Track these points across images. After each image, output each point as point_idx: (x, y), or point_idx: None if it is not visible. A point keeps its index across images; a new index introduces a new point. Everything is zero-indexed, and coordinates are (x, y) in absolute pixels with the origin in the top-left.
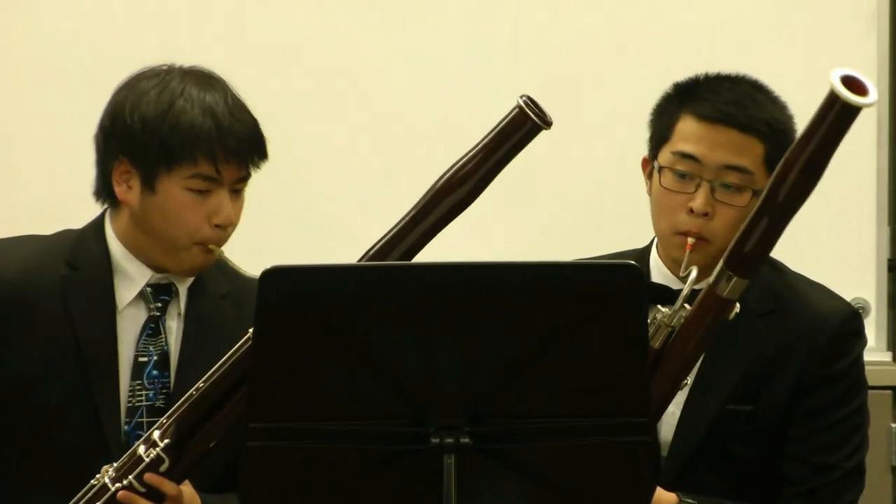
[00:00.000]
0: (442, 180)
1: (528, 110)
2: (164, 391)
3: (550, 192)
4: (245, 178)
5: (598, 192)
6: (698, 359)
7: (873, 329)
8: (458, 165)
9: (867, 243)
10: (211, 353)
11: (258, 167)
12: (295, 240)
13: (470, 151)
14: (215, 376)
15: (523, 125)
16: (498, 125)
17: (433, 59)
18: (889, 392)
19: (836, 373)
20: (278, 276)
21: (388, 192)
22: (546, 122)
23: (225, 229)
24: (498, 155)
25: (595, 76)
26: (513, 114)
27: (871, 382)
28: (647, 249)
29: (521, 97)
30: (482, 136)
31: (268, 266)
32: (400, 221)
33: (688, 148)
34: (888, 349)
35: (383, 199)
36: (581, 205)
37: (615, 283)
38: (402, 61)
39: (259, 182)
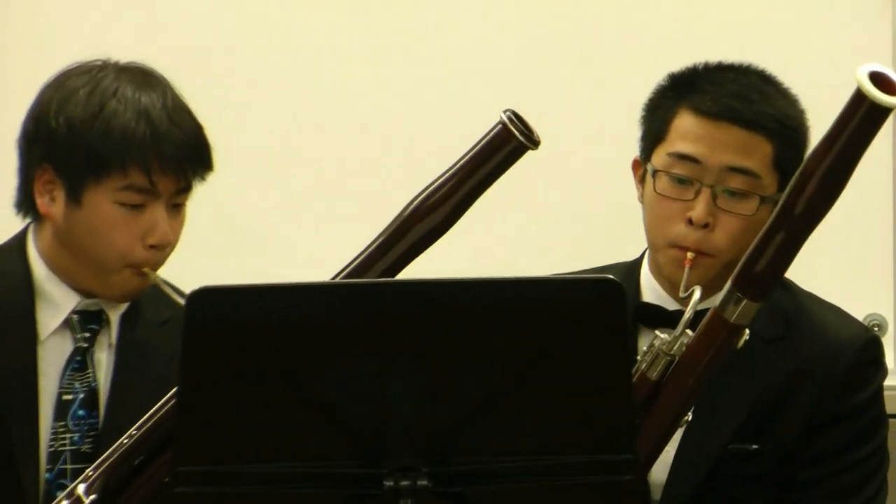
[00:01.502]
0: (412, 206)
1: (511, 127)
2: (91, 434)
3: (525, 197)
4: (185, 191)
5: (581, 198)
6: (701, 392)
7: (892, 349)
8: (430, 189)
9: (883, 252)
10: (147, 390)
11: (202, 178)
12: (237, 261)
13: (445, 173)
14: (152, 420)
15: (506, 144)
16: (478, 144)
17: (402, 62)
18: None
19: (854, 408)
20: (208, 298)
21: (350, 211)
22: (533, 142)
23: (161, 250)
24: (477, 178)
25: (582, 67)
26: (495, 131)
27: (890, 410)
28: (636, 263)
29: (505, 112)
30: (460, 156)
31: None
32: (364, 251)
33: (685, 148)
34: None
35: (343, 219)
36: (561, 212)
37: (592, 301)
38: (366, 63)
39: (198, 196)
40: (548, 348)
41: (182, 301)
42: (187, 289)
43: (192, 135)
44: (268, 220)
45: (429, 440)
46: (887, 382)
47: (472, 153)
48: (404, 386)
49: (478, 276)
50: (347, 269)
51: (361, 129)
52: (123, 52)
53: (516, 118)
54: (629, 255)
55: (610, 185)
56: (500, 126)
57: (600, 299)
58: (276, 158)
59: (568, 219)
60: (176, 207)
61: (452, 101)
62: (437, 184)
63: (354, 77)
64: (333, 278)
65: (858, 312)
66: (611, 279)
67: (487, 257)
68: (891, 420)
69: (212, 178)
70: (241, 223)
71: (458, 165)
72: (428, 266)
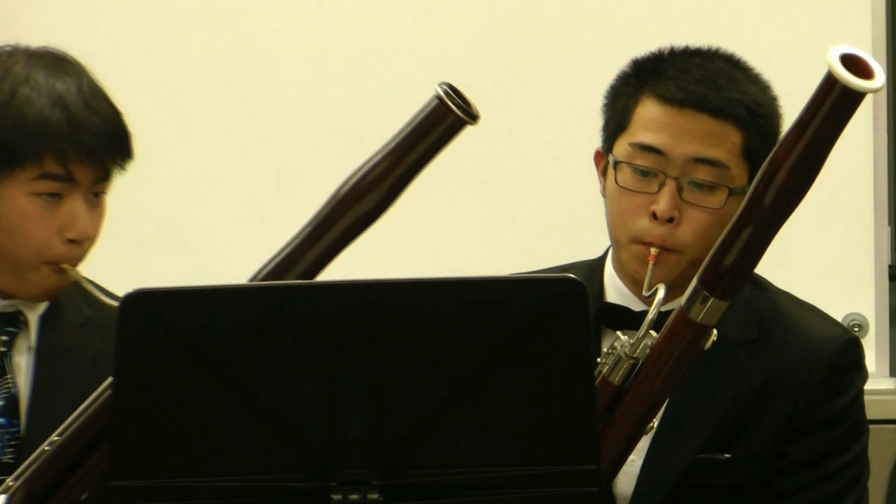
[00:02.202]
0: (347, 187)
1: (448, 101)
2: (13, 443)
3: (480, 192)
4: (103, 180)
5: (540, 192)
6: (667, 397)
7: (872, 351)
8: (366, 169)
9: (863, 248)
10: (71, 394)
11: (122, 167)
12: (172, 259)
13: (380, 151)
14: (76, 424)
15: (443, 120)
16: (413, 120)
17: (341, 38)
18: (894, 427)
19: (832, 414)
20: (143, 301)
21: (288, 200)
22: (471, 116)
23: (81, 244)
24: (414, 155)
25: (540, 53)
26: (431, 106)
27: (871, 415)
28: (600, 261)
29: (440, 85)
30: (395, 132)
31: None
32: (296, 237)
33: (649, 138)
34: (891, 375)
35: (281, 210)
36: (518, 208)
37: (552, 301)
38: (302, 40)
39: (128, 190)
40: (505, 352)
41: (106, 299)
42: (123, 291)
43: (111, 122)
44: (210, 218)
45: (379, 451)
46: (868, 386)
47: (408, 130)
48: (353, 393)
49: (429, 275)
50: (279, 257)
51: (306, 121)
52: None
53: (453, 91)
54: (592, 253)
55: (571, 178)
56: (435, 100)
57: (560, 300)
58: (216, 156)
59: (526, 214)
60: (95, 198)
61: (405, 92)
62: (373, 162)
63: (299, 68)
64: (263, 267)
65: (837, 312)
66: (571, 278)
67: (441, 256)
68: (872, 426)
69: (150, 177)
70: (182, 222)
71: (394, 143)
72: (380, 266)
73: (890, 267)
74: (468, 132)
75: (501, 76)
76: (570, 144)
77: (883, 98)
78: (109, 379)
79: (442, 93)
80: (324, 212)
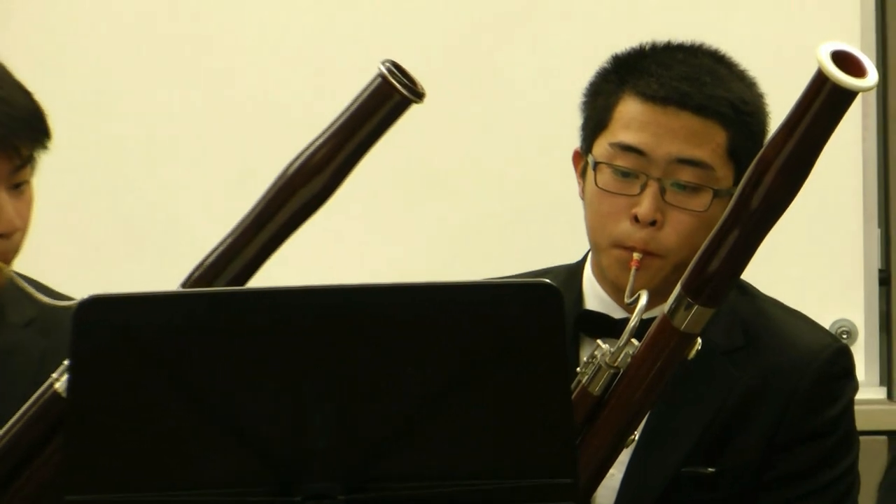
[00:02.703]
0: (292, 169)
1: (392, 80)
2: None
3: (452, 193)
4: (22, 168)
5: (516, 193)
6: (649, 408)
7: (862, 359)
8: (310, 151)
9: (852, 251)
10: (13, 397)
11: (43, 147)
12: (123, 258)
13: (324, 133)
14: (16, 427)
15: (388, 99)
16: (357, 99)
17: (285, 16)
18: (884, 438)
19: (822, 426)
20: (99, 309)
21: (241, 192)
22: (417, 94)
23: (9, 237)
24: (360, 136)
25: (517, 48)
26: (375, 85)
27: (861, 426)
28: (579, 266)
29: (384, 63)
30: (338, 113)
31: (87, 294)
32: (240, 224)
33: (630, 137)
34: (882, 384)
35: (234, 202)
36: (493, 210)
37: (526, 308)
38: (243, 19)
39: (73, 185)
40: (477, 361)
41: (42, 297)
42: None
43: (21, 106)
44: (170, 220)
45: (346, 464)
46: (858, 396)
47: (351, 109)
48: (319, 403)
49: (398, 280)
50: (220, 248)
51: (254, 107)
52: None
53: (397, 69)
54: (570, 258)
55: (548, 180)
56: (379, 79)
57: (535, 306)
58: (174, 155)
59: (500, 217)
60: (18, 188)
61: (346, 66)
62: (317, 144)
63: (235, 43)
64: (207, 256)
65: (824, 319)
66: (546, 283)
67: (409, 260)
68: (862, 438)
69: (101, 179)
70: (141, 224)
71: (337, 124)
72: (347, 271)
73: (880, 271)
74: (441, 131)
75: (477, 72)
76: (548, 144)
77: (872, 95)
78: (50, 378)
79: (385, 71)
80: (268, 196)
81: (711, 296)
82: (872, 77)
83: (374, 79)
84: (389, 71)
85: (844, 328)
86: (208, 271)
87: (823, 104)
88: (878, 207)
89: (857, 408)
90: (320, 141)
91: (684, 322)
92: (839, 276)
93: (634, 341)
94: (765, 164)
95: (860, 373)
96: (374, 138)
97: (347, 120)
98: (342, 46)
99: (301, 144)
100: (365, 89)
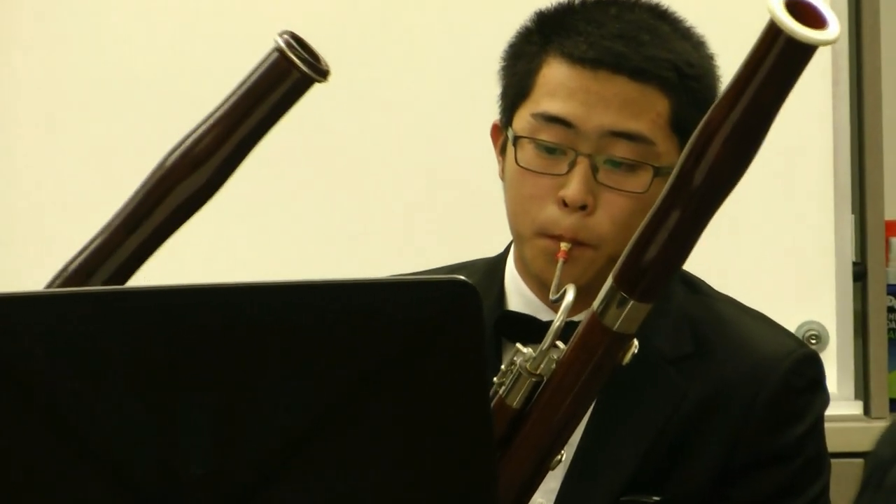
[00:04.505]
0: (169, 162)
1: (290, 54)
2: None
3: (353, 178)
4: None
5: (428, 177)
6: (577, 423)
7: (834, 368)
8: (193, 139)
9: (821, 242)
10: None
11: None
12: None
13: (208, 118)
14: None
15: (286, 77)
16: (249, 77)
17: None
18: (860, 461)
19: (785, 447)
20: None
21: (109, 185)
22: (320, 72)
23: None
24: (252, 121)
25: (422, 8)
26: (270, 60)
27: (832, 447)
28: (499, 260)
29: (282, 35)
30: (227, 94)
31: None
32: (110, 223)
33: (555, 107)
34: (857, 397)
35: (100, 196)
36: (399, 196)
37: (438, 308)
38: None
39: None
40: (381, 370)
41: None
42: None
43: None
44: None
45: (228, 493)
46: (829, 412)
47: (243, 88)
48: (195, 424)
49: (291, 278)
50: (90, 248)
51: (127, 84)
52: None
53: (296, 42)
54: (490, 251)
55: (463, 159)
56: (276, 53)
57: (448, 306)
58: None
59: (408, 204)
60: None
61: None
62: (201, 130)
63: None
64: (71, 261)
65: (790, 321)
66: (461, 280)
67: (305, 254)
68: (833, 461)
69: None
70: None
71: (227, 106)
72: (233, 269)
73: (854, 264)
74: (336, 101)
75: (377, 34)
76: (462, 116)
77: (844, 57)
78: None
79: (283, 44)
80: (141, 192)
81: (648, 289)
82: (833, 29)
83: (269, 53)
84: (287, 44)
85: (813, 331)
86: (72, 278)
87: (777, 61)
88: (852, 190)
89: (827, 425)
90: (204, 127)
91: (617, 320)
92: (806, 271)
93: (560, 344)
94: (709, 133)
95: (831, 384)
96: (268, 124)
97: (237, 102)
98: (234, 15)
99: (182, 130)
100: (258, 66)
